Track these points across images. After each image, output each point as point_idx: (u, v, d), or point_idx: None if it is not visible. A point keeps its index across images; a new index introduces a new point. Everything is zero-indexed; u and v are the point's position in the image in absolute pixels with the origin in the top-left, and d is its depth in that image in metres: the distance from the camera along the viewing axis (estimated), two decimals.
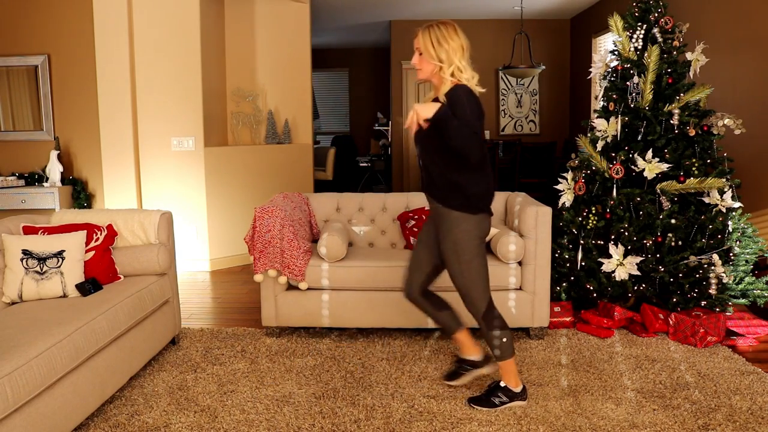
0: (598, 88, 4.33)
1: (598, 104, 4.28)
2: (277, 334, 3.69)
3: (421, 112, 2.44)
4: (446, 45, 2.54)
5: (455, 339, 2.95)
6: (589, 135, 4.12)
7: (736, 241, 3.84)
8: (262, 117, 6.02)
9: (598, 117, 4.07)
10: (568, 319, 3.76)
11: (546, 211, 3.52)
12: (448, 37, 2.55)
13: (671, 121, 3.82)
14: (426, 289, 2.90)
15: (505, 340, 2.66)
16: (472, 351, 2.95)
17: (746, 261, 3.87)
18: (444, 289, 3.09)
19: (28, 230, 3.13)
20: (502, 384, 2.74)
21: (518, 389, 2.74)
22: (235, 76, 6.00)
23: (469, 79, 2.56)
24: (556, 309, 3.75)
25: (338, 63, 11.49)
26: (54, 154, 5.44)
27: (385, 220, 4.12)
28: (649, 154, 3.75)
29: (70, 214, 3.40)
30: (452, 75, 2.55)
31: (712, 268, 3.62)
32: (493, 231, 3.63)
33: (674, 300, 3.67)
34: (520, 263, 3.54)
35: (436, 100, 2.62)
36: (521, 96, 8.96)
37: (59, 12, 5.49)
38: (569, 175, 4.14)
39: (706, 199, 3.73)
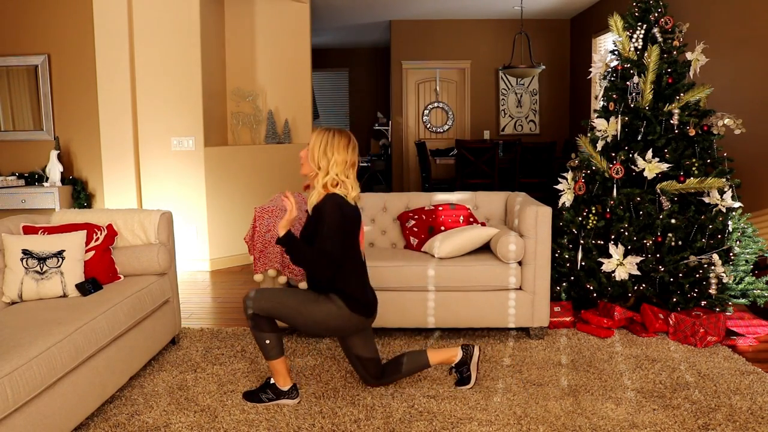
0: (598, 88, 4.33)
1: (598, 104, 4.28)
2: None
3: (278, 228, 2.57)
4: (330, 156, 2.61)
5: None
6: (589, 135, 4.12)
7: (736, 241, 3.84)
8: (262, 117, 6.02)
9: (598, 117, 4.07)
10: (568, 319, 3.76)
11: (546, 211, 3.52)
12: (335, 149, 2.61)
13: (671, 121, 3.82)
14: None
15: (268, 342, 2.68)
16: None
17: (746, 261, 3.87)
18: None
19: (28, 230, 3.13)
20: (272, 381, 2.80)
21: (286, 387, 2.78)
22: (235, 76, 6.00)
23: (347, 193, 2.63)
24: (556, 309, 3.75)
25: (338, 63, 11.48)
26: (54, 154, 5.44)
27: (385, 220, 4.12)
28: (649, 154, 3.75)
29: (70, 214, 3.40)
30: (326, 185, 2.62)
31: (712, 268, 3.62)
32: (492, 231, 3.63)
33: (674, 300, 3.67)
34: (520, 263, 3.54)
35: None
36: (521, 96, 8.96)
37: (59, 12, 5.49)
38: (569, 175, 4.14)
39: (706, 199, 3.73)
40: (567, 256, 3.87)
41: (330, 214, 2.54)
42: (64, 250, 3.00)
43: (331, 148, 2.61)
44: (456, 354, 2.94)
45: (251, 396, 2.82)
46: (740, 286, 3.79)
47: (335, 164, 2.61)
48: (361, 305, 2.71)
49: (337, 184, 2.63)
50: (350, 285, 2.70)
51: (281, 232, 2.56)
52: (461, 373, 2.94)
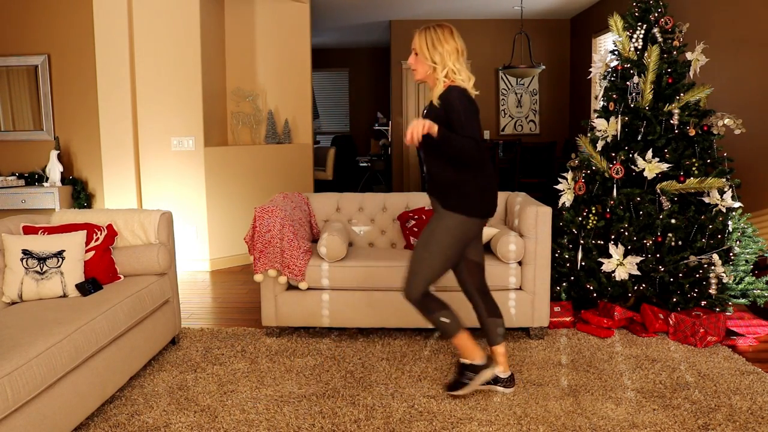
0: (598, 88, 4.33)
1: (598, 104, 4.28)
2: (277, 334, 3.69)
3: (418, 130, 2.49)
4: (440, 48, 2.61)
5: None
6: (589, 135, 4.12)
7: (736, 241, 3.84)
8: (262, 117, 6.02)
9: (598, 117, 4.07)
10: (568, 319, 3.76)
11: (546, 211, 3.52)
12: (443, 40, 2.62)
13: (671, 121, 3.82)
14: (483, 287, 2.88)
15: (444, 320, 2.67)
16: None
17: (746, 261, 3.87)
18: (451, 288, 3.09)
19: (28, 230, 3.13)
20: (467, 362, 2.77)
21: (482, 362, 2.76)
22: (235, 76, 6.00)
23: (465, 80, 2.64)
24: (556, 309, 3.75)
25: (338, 63, 11.48)
26: (54, 154, 5.44)
27: (385, 220, 4.12)
28: (649, 154, 3.75)
29: (70, 214, 3.40)
30: (446, 77, 2.62)
31: (712, 268, 3.62)
32: (492, 231, 3.63)
33: (674, 300, 3.67)
34: (520, 263, 3.54)
35: (429, 108, 2.68)
36: (521, 96, 8.96)
37: (59, 12, 5.49)
38: (569, 175, 4.14)
39: (706, 199, 3.73)
40: (567, 256, 3.87)
41: (459, 103, 2.53)
42: (64, 250, 3.00)
43: (439, 40, 2.62)
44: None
45: (454, 386, 2.81)
46: (740, 286, 3.79)
47: (449, 54, 2.61)
48: (481, 206, 2.66)
49: (455, 73, 2.62)
50: (485, 174, 2.65)
51: (434, 129, 2.50)
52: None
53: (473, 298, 2.88)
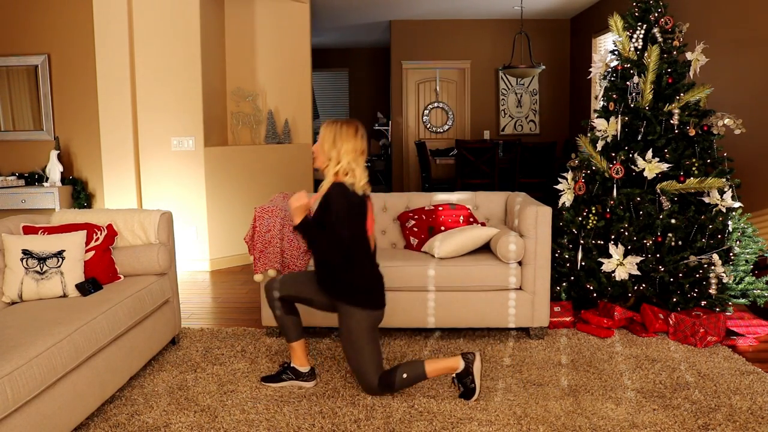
0: (598, 88, 4.33)
1: (598, 104, 4.28)
2: (277, 334, 3.68)
3: (292, 211, 2.74)
4: (340, 145, 2.74)
5: (292, 347, 2.96)
6: (589, 135, 4.12)
7: (736, 241, 3.84)
8: (262, 117, 6.02)
9: (598, 117, 4.07)
10: (568, 319, 3.76)
11: (546, 211, 3.52)
12: (344, 139, 2.76)
13: (671, 121, 3.82)
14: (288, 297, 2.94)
15: (405, 376, 2.76)
16: (303, 362, 2.96)
17: (746, 261, 3.87)
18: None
19: (28, 230, 3.13)
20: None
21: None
22: (235, 76, 6.00)
23: (357, 180, 2.75)
24: (556, 309, 3.75)
25: (338, 63, 11.48)
26: (54, 154, 5.44)
27: (385, 220, 4.12)
28: (649, 154, 3.75)
29: (70, 214, 3.40)
30: (337, 174, 2.74)
31: (712, 268, 3.62)
32: (492, 231, 3.63)
33: (674, 300, 3.67)
34: (520, 263, 3.54)
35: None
36: (521, 96, 8.96)
37: (59, 12, 5.49)
38: (569, 175, 4.14)
39: (706, 199, 3.73)
40: (567, 256, 3.87)
41: (336, 202, 2.67)
42: (64, 250, 3.00)
43: (340, 138, 2.75)
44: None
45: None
46: (740, 286, 3.79)
47: (345, 153, 2.74)
48: (366, 299, 2.78)
49: (347, 173, 2.75)
50: (355, 274, 2.78)
51: (296, 220, 2.72)
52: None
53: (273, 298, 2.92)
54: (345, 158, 2.73)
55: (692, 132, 3.79)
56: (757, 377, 3.00)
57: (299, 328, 2.94)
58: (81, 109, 5.58)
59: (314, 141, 7.27)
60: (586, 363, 3.22)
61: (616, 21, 4.01)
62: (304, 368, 2.94)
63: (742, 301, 3.80)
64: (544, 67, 7.54)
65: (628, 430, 2.52)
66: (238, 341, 3.59)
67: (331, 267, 2.78)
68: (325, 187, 2.74)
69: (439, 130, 9.18)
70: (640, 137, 3.88)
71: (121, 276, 3.25)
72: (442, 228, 3.81)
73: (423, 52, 9.01)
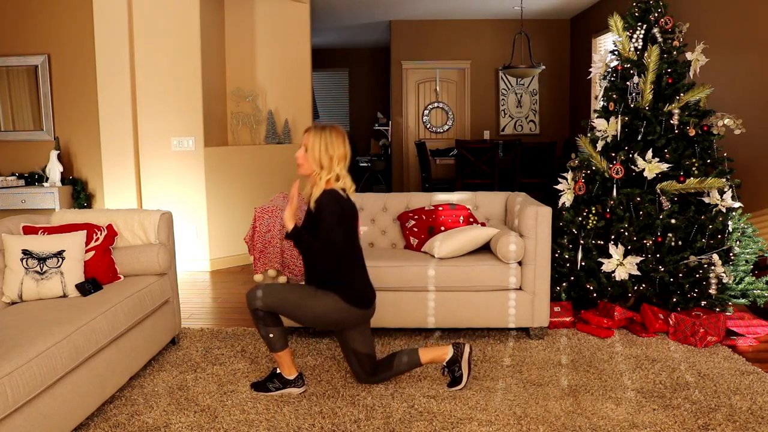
0: (598, 88, 4.33)
1: (598, 104, 4.28)
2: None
3: (285, 220, 2.74)
4: (332, 152, 2.72)
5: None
6: (589, 135, 4.12)
7: (736, 241, 3.84)
8: (262, 117, 6.02)
9: (598, 117, 4.07)
10: (568, 319, 3.76)
11: (546, 211, 3.52)
12: (336, 146, 2.73)
13: (671, 121, 3.82)
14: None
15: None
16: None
17: (746, 261, 3.87)
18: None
19: (28, 230, 3.13)
20: (278, 371, 2.90)
21: (292, 377, 2.89)
22: (235, 76, 6.00)
23: (347, 187, 2.77)
24: (556, 309, 3.75)
25: (338, 63, 11.48)
26: (54, 154, 5.43)
27: (385, 220, 4.12)
28: (649, 154, 3.75)
29: (70, 214, 3.40)
30: (328, 181, 2.73)
31: (712, 268, 3.62)
32: (492, 231, 3.63)
33: (674, 300, 3.67)
34: (520, 263, 3.54)
35: (309, 206, 2.80)
36: (521, 96, 8.96)
37: (59, 12, 5.49)
38: (569, 175, 4.14)
39: (706, 199, 3.73)
40: (567, 256, 3.87)
41: (329, 207, 2.66)
42: (64, 250, 3.00)
43: (332, 145, 2.73)
44: (447, 352, 2.93)
45: (259, 386, 2.92)
46: (740, 286, 3.79)
47: (339, 160, 2.73)
48: (359, 298, 2.79)
49: (338, 179, 2.75)
50: (349, 277, 2.79)
51: (289, 226, 2.71)
52: (453, 372, 2.91)
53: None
54: (337, 165, 2.73)
55: (692, 132, 3.79)
56: (757, 377, 3.00)
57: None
58: (81, 109, 5.58)
59: None
60: (586, 363, 3.22)
61: (616, 21, 4.01)
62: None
63: (742, 301, 3.80)
64: (544, 67, 7.54)
65: (628, 430, 2.52)
66: (238, 341, 3.59)
67: (324, 272, 2.78)
68: (316, 193, 2.72)
69: (439, 130, 9.18)
70: (640, 137, 3.88)
71: (121, 276, 3.25)
72: (442, 228, 3.81)
73: (423, 52, 9.01)
